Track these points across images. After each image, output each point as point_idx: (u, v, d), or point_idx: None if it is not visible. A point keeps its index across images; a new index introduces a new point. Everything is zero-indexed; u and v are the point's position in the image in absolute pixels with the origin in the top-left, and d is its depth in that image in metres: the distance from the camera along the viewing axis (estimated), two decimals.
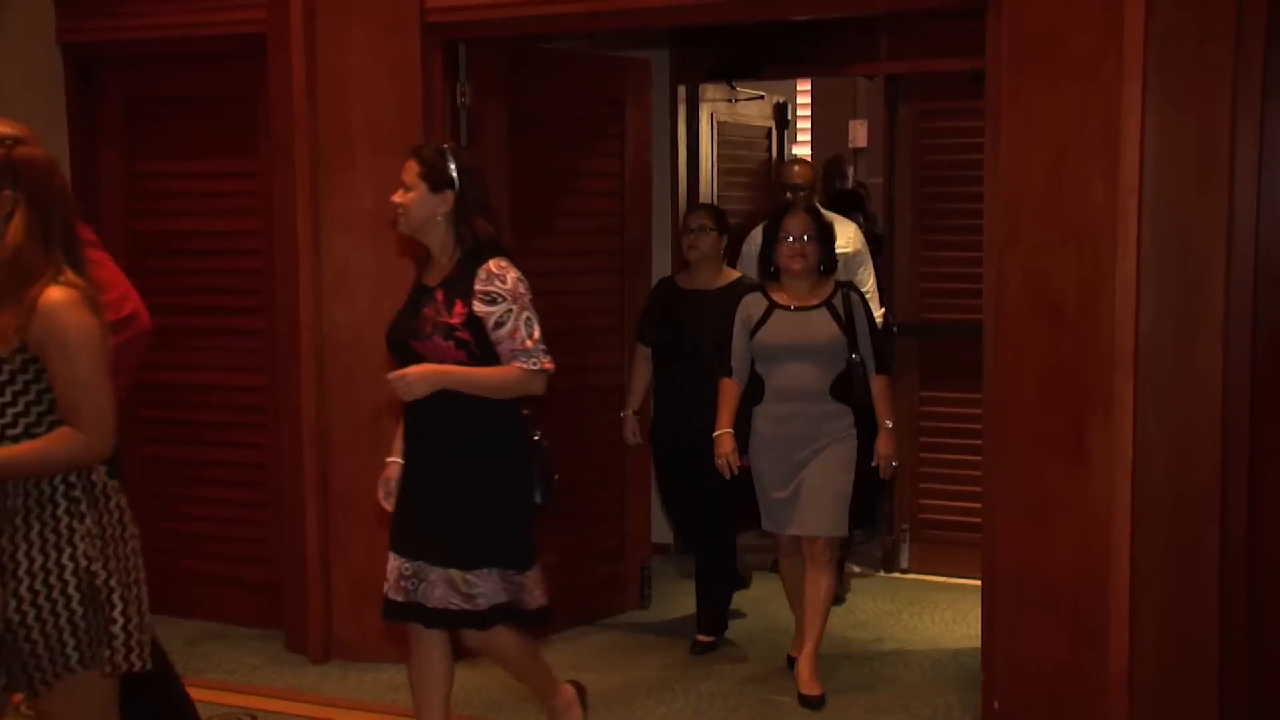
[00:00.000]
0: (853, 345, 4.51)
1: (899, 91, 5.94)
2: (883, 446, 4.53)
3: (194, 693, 4.60)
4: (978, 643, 4.45)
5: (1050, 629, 4.10)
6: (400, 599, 3.60)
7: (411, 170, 3.60)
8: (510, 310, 3.52)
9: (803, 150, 8.96)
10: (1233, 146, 3.85)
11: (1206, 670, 3.97)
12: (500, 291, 3.51)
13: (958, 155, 5.70)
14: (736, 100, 6.69)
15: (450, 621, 3.63)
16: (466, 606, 3.57)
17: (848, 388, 4.51)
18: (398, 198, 3.61)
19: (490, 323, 3.50)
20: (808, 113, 8.92)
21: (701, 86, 6.38)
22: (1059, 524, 4.06)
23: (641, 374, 5.15)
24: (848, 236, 5.24)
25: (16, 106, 5.17)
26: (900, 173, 5.95)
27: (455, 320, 3.52)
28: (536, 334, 3.54)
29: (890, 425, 4.54)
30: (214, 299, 5.29)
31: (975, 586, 4.62)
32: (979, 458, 4.41)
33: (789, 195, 5.32)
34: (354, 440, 4.85)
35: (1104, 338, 3.94)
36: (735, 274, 5.06)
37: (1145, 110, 3.85)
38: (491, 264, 3.55)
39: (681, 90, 6.29)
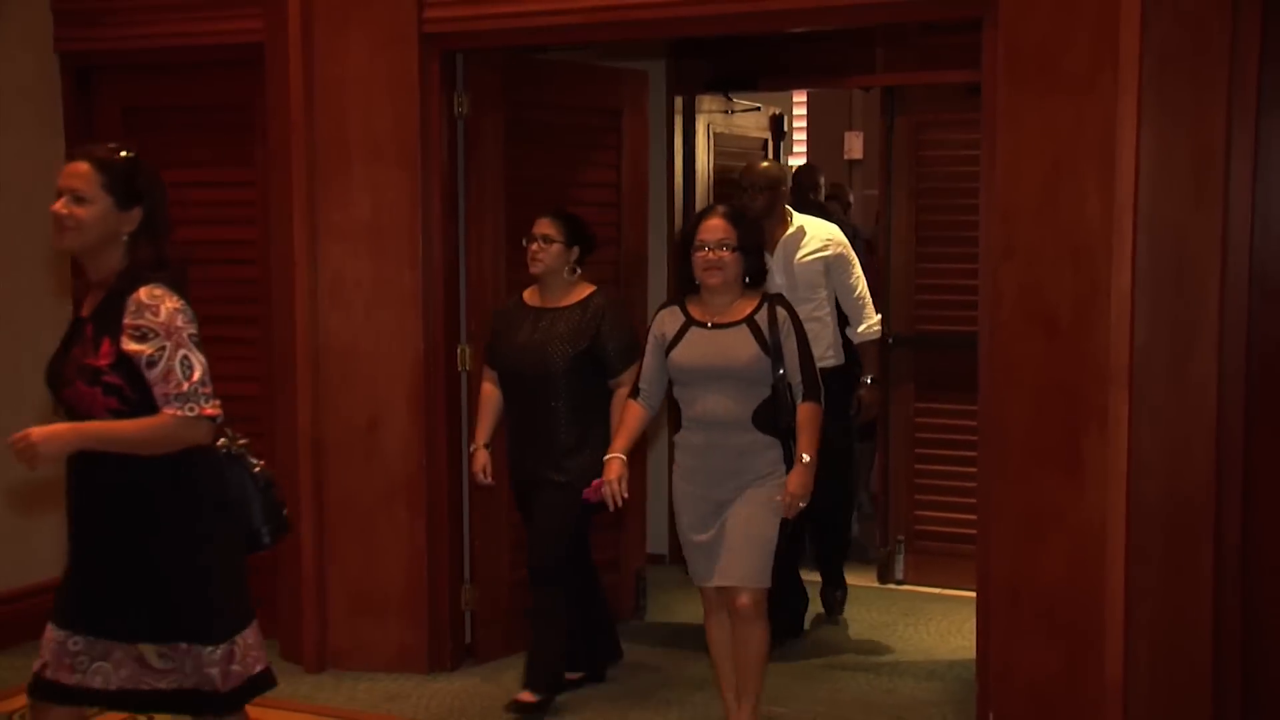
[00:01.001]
0: (778, 368, 3.99)
1: (895, 103, 5.95)
2: (792, 483, 3.94)
3: None
4: (973, 654, 4.45)
5: (1045, 641, 4.09)
6: (65, 680, 3.04)
7: (88, 177, 3.04)
8: (164, 347, 2.95)
9: (799, 161, 8.97)
10: (1228, 160, 3.87)
11: (1201, 682, 3.98)
12: (152, 326, 2.95)
13: (954, 167, 5.71)
14: (733, 111, 6.69)
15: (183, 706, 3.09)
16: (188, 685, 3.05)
17: (773, 416, 3.99)
18: (63, 208, 3.03)
19: (142, 362, 2.94)
20: (804, 124, 8.93)
21: (698, 98, 6.38)
22: (1054, 536, 4.06)
23: (489, 400, 4.62)
24: (825, 239, 5.12)
25: (14, 115, 5.19)
26: (896, 184, 5.95)
27: (102, 362, 2.97)
28: (196, 374, 2.98)
29: (807, 460, 3.94)
30: (209, 308, 5.15)
31: (970, 598, 4.63)
32: (974, 469, 4.41)
33: (747, 196, 5.10)
34: (349, 450, 4.85)
35: (1099, 350, 3.95)
36: (589, 289, 4.55)
37: (1140, 124, 3.87)
38: (142, 292, 2.97)
39: (678, 101, 6.29)
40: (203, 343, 3.09)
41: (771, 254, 4.99)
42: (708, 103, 6.48)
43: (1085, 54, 3.93)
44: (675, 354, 4.05)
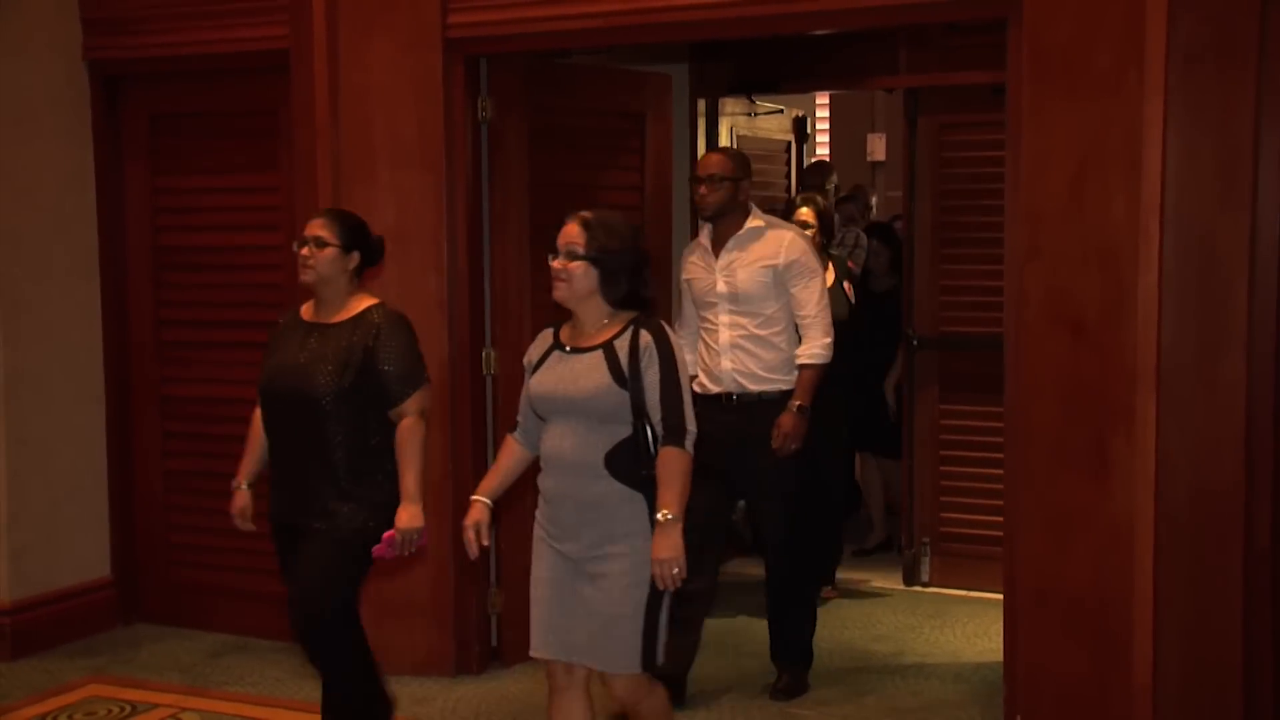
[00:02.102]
0: (637, 404, 3.31)
1: (918, 105, 5.92)
2: (656, 548, 3.28)
3: (215, 705, 4.63)
4: (999, 656, 4.42)
5: (1073, 643, 4.06)
6: None
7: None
8: None
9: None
10: (1255, 161, 3.84)
11: (1231, 685, 3.94)
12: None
13: (977, 169, 5.69)
14: (756, 114, 6.68)
15: None
16: None
17: (632, 462, 3.33)
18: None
19: None
20: (827, 126, 8.91)
21: (721, 100, 6.38)
22: (1081, 538, 4.03)
23: (256, 431, 3.95)
24: (781, 245, 4.56)
25: (43, 123, 5.22)
26: (920, 186, 5.93)
27: None
28: None
29: (668, 518, 3.27)
30: (237, 313, 5.30)
31: (997, 600, 4.61)
32: (1000, 471, 4.38)
33: (699, 189, 4.61)
34: None
35: (1126, 352, 3.92)
36: (367, 302, 3.83)
37: (1167, 124, 3.84)
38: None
39: (701, 104, 6.29)
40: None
41: (717, 257, 4.61)
42: (730, 105, 6.47)
43: (1111, 54, 3.90)
44: (531, 380, 3.48)
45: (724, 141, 6.42)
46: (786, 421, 4.52)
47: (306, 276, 3.82)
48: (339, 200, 4.81)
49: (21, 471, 5.13)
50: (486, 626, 5.02)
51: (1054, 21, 3.99)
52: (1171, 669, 3.95)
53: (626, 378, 3.30)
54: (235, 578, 5.38)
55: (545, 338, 3.53)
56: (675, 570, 3.28)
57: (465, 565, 4.89)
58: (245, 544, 5.33)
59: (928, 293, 5.92)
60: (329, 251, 3.79)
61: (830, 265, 5.24)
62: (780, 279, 4.54)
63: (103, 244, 5.41)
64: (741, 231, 4.60)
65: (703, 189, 4.58)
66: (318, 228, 3.82)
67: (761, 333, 4.56)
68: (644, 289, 3.43)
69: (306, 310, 3.90)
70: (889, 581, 6.12)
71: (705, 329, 4.66)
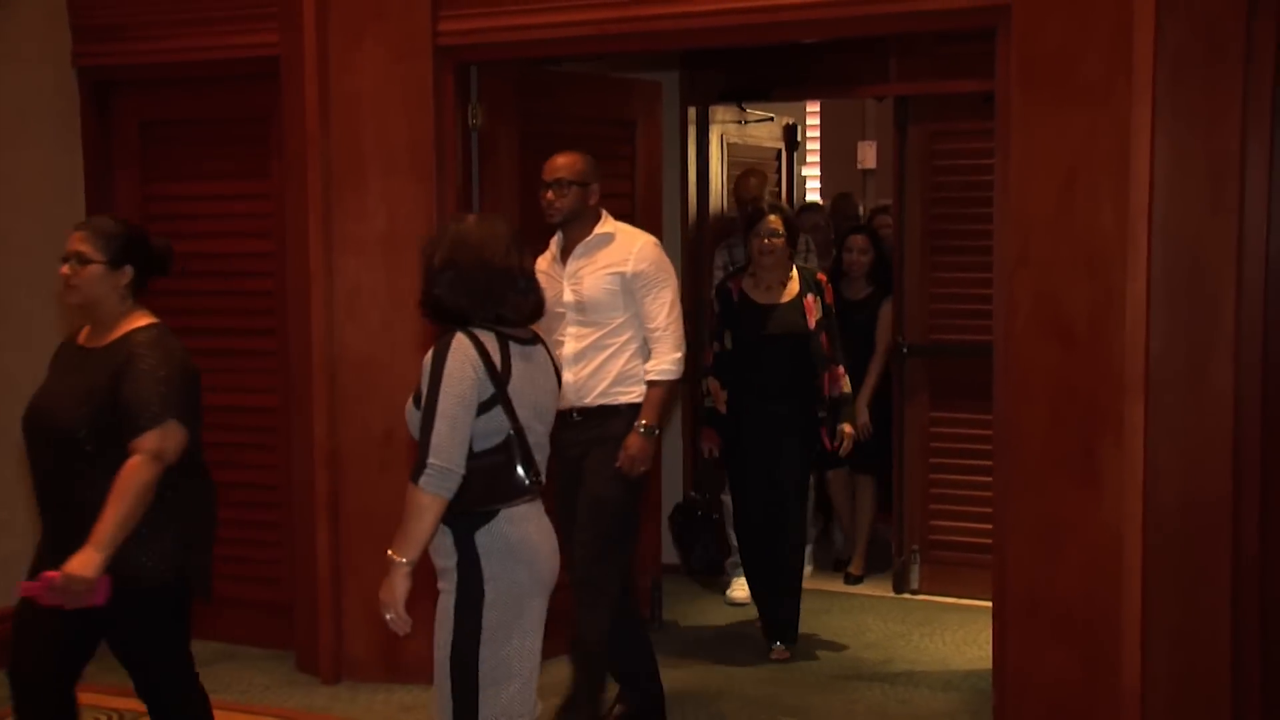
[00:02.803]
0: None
1: (909, 113, 5.93)
2: (382, 589, 3.06)
3: None
4: (989, 664, 4.43)
5: (1062, 650, 4.07)
6: None
7: None
8: None
9: (812, 171, 8.96)
10: (1243, 168, 3.85)
11: (1219, 691, 3.95)
12: None
13: (967, 176, 5.69)
14: (746, 122, 6.69)
15: None
16: None
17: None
18: None
19: None
20: (817, 134, 8.92)
21: (712, 108, 6.38)
22: (1070, 545, 4.04)
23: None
24: (630, 252, 4.29)
25: (33, 130, 5.21)
26: (910, 194, 5.94)
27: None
28: None
29: (393, 560, 3.04)
30: (226, 320, 5.29)
31: (986, 608, 4.60)
32: (989, 479, 4.39)
33: (546, 194, 4.36)
34: (365, 461, 4.85)
35: (1115, 359, 3.94)
36: (139, 322, 3.38)
37: (1155, 132, 3.86)
38: None
39: (692, 112, 6.29)
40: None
41: (564, 264, 4.36)
42: (721, 113, 6.48)
43: (1099, 62, 3.92)
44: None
45: (714, 150, 6.43)
46: (632, 443, 4.17)
47: (70, 298, 3.36)
48: (330, 207, 4.81)
49: (9, 479, 5.11)
50: None
51: (1043, 30, 4.00)
52: (1160, 676, 3.96)
53: (422, 399, 3.06)
54: (224, 586, 5.30)
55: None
56: (389, 615, 3.04)
57: None
58: (234, 552, 5.33)
59: (918, 300, 5.92)
60: (93, 270, 3.32)
61: (795, 276, 5.15)
62: (629, 287, 4.26)
63: None
64: (590, 237, 4.33)
65: (549, 194, 4.31)
66: (77, 242, 3.35)
67: (608, 343, 4.27)
68: (462, 299, 3.13)
69: (83, 334, 3.45)
70: (878, 589, 6.12)
71: (555, 341, 4.24)
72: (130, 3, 5.19)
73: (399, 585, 3.03)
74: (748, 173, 6.37)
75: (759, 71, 6.22)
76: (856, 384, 5.90)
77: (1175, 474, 3.93)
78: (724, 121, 6.51)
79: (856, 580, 6.24)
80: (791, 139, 7.12)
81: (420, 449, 3.01)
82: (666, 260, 4.39)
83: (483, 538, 3.08)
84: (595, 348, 4.27)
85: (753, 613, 5.50)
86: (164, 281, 5.32)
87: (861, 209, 7.98)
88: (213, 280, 5.31)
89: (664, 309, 4.27)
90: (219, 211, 5.30)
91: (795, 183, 7.33)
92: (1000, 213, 4.19)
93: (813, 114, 8.78)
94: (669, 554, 5.88)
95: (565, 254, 4.37)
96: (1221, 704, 3.95)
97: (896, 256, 6.04)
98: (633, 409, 4.24)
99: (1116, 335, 3.93)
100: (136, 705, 4.72)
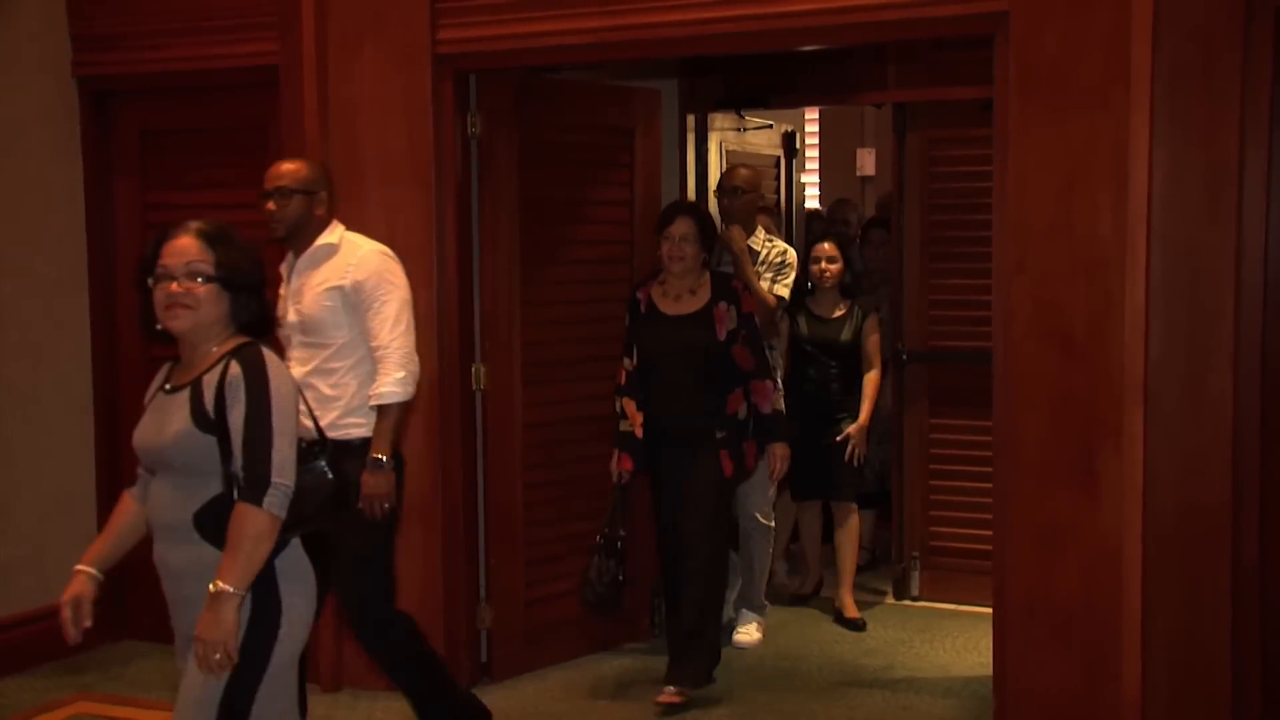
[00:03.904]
0: (227, 450, 2.82)
1: (907, 120, 5.94)
2: (201, 625, 2.77)
3: None
4: (989, 670, 4.43)
5: (1062, 657, 4.07)
6: None
7: None
8: None
9: (811, 178, 8.97)
10: (1241, 176, 3.86)
11: (1220, 697, 3.95)
12: None
13: (966, 183, 5.71)
14: (745, 129, 6.70)
15: None
16: None
17: (226, 522, 2.81)
18: None
19: None
20: (816, 141, 8.93)
21: (711, 115, 6.38)
22: (1070, 552, 4.04)
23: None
24: (352, 264, 4.00)
25: (33, 139, 5.22)
26: (909, 201, 5.95)
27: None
28: None
29: (222, 590, 2.74)
30: None
31: (986, 614, 4.61)
32: (989, 485, 4.39)
33: (265, 207, 4.09)
34: None
35: (1114, 366, 3.94)
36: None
37: (1153, 140, 3.86)
38: None
39: (691, 119, 6.29)
40: None
41: (288, 279, 4.10)
42: (720, 120, 6.48)
43: (1097, 70, 3.93)
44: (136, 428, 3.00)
45: (713, 157, 6.43)
46: (366, 481, 3.83)
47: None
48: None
49: (9, 487, 5.12)
50: (476, 642, 5.01)
51: (1041, 38, 4.01)
52: (1160, 683, 3.96)
53: (212, 419, 2.80)
54: None
55: (161, 374, 3.02)
56: (218, 655, 2.73)
57: (454, 581, 4.89)
58: None
59: (917, 307, 5.93)
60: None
61: (707, 283, 4.82)
62: (349, 303, 3.91)
63: (92, 259, 5.40)
64: (312, 250, 4.01)
65: (270, 204, 3.99)
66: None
67: (333, 366, 3.93)
68: (269, 310, 2.99)
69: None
70: (879, 595, 6.12)
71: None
72: (130, 12, 5.20)
73: (231, 620, 2.73)
74: (739, 165, 5.94)
75: (758, 79, 6.23)
76: (846, 412, 5.61)
77: (1174, 481, 3.94)
78: (723, 129, 6.52)
79: (857, 625, 5.65)
80: (790, 146, 7.13)
81: (257, 466, 2.77)
82: (393, 269, 4.00)
83: (282, 562, 2.85)
84: (319, 372, 3.93)
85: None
86: None
87: (856, 216, 7.98)
88: None
89: (386, 324, 3.90)
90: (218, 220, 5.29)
91: (794, 190, 7.33)
92: (999, 219, 4.20)
93: (812, 121, 8.78)
94: None
95: (292, 270, 4.07)
96: (1222, 711, 3.95)
97: (895, 264, 6.05)
98: (368, 443, 3.88)
99: (1115, 342, 3.94)
100: (135, 714, 4.73)
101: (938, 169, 5.88)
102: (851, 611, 5.70)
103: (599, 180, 5.32)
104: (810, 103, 7.62)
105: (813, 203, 8.77)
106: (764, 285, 5.26)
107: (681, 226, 4.77)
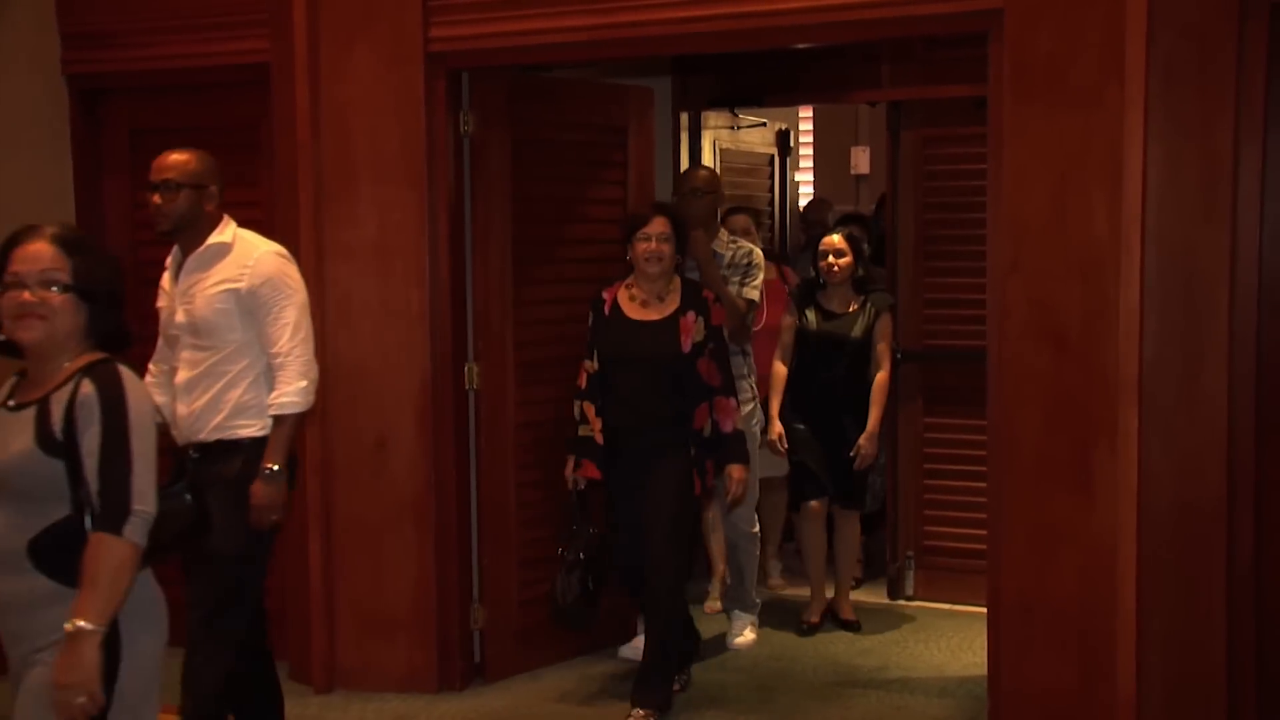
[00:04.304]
0: (75, 475, 2.60)
1: (901, 118, 5.95)
2: (57, 668, 2.52)
3: None
4: (984, 670, 4.43)
5: (1057, 657, 4.08)
6: None
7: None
8: None
9: (805, 177, 8.98)
10: (1236, 174, 3.87)
11: (1215, 698, 3.96)
12: None
13: (960, 181, 5.71)
14: (739, 127, 6.71)
15: None
16: None
17: (68, 550, 2.58)
18: None
19: None
20: (810, 139, 8.93)
21: (704, 114, 6.39)
22: (1065, 551, 4.05)
23: None
24: (246, 265, 3.82)
25: (22, 138, 5.21)
26: (903, 199, 5.95)
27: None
28: None
29: (81, 629, 2.52)
30: None
31: (981, 614, 4.61)
32: (984, 485, 4.39)
33: (151, 201, 3.95)
34: (356, 469, 4.84)
35: (1108, 365, 3.95)
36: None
37: (1148, 138, 3.87)
38: None
39: (684, 117, 6.30)
40: None
41: (175, 278, 3.93)
42: (713, 119, 6.49)
43: (1091, 68, 3.93)
44: None
45: (706, 155, 6.43)
46: (257, 490, 3.71)
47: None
48: (320, 215, 4.81)
49: None
50: (469, 642, 5.00)
51: (1035, 35, 4.01)
52: (1155, 682, 3.96)
53: (60, 442, 2.58)
54: None
55: (4, 388, 2.78)
56: (81, 700, 2.50)
57: (447, 581, 4.88)
58: None
59: (911, 306, 5.93)
60: None
61: (677, 289, 4.61)
62: (245, 306, 3.75)
63: None
64: (202, 249, 3.83)
65: (156, 198, 3.83)
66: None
67: (224, 369, 3.77)
68: (127, 324, 2.78)
69: None
70: (873, 595, 6.12)
71: (171, 369, 3.90)
72: (120, 9, 5.19)
73: (93, 660, 2.51)
74: (698, 166, 5.88)
75: (751, 77, 6.23)
76: (853, 411, 5.36)
77: (1169, 479, 3.94)
78: (716, 127, 6.52)
79: (854, 626, 5.60)
80: (784, 144, 7.14)
81: (114, 493, 2.57)
82: (291, 272, 3.83)
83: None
84: (209, 375, 3.77)
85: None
86: (155, 291, 5.36)
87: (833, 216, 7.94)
88: None
89: (286, 331, 3.74)
90: None
91: (788, 188, 7.34)
92: (993, 218, 4.20)
93: (805, 119, 8.78)
94: None
95: (180, 268, 3.89)
96: (1217, 710, 3.95)
97: (889, 261, 6.05)
98: (257, 444, 3.75)
99: (1110, 341, 3.94)
100: None
101: (932, 167, 5.88)
102: (848, 614, 5.66)
103: (592, 179, 5.32)
104: (804, 101, 7.63)
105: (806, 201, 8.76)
106: (731, 289, 5.10)
107: (659, 225, 4.56)
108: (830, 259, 5.38)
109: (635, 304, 4.62)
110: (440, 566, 4.86)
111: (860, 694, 4.90)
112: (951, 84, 5.53)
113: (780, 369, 5.42)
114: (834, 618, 5.68)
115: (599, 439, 4.58)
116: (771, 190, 7.14)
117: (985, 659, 4.39)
